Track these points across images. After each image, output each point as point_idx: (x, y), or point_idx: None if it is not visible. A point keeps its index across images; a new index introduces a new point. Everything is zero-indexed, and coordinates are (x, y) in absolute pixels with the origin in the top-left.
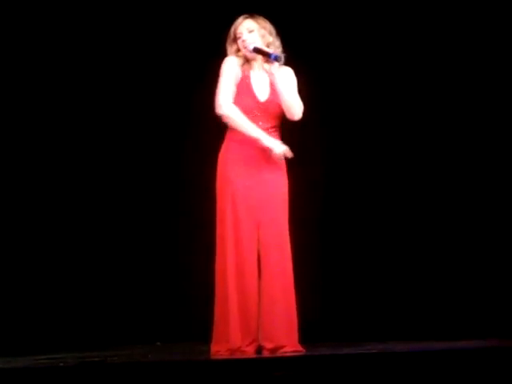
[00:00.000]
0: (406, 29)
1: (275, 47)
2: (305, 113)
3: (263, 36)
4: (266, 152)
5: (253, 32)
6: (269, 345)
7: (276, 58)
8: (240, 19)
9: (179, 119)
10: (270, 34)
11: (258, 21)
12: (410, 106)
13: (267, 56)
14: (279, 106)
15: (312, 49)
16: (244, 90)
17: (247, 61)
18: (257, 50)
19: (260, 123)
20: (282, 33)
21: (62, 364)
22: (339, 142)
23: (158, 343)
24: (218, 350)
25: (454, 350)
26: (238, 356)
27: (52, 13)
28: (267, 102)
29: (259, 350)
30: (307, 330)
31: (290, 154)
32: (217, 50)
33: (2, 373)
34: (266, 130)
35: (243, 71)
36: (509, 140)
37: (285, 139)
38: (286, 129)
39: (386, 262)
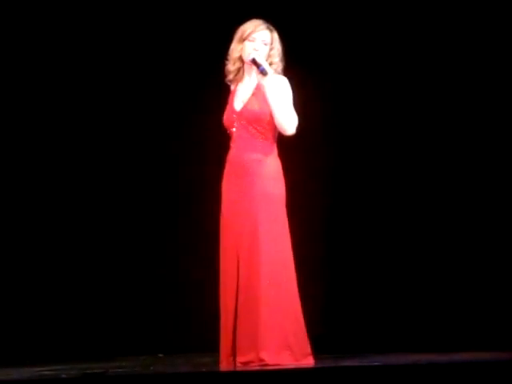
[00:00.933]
0: (407, 36)
1: (277, 68)
2: (307, 117)
3: (271, 55)
4: (243, 163)
5: (266, 45)
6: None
7: (262, 71)
8: (258, 23)
9: (186, 127)
10: (278, 55)
11: (274, 36)
12: (412, 109)
13: (257, 67)
14: (255, 113)
15: (313, 51)
16: (228, 103)
17: (238, 71)
18: (253, 61)
19: (239, 132)
20: (285, 37)
21: (64, 375)
22: (341, 147)
23: (160, 355)
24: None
25: (457, 363)
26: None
27: (51, 17)
28: (241, 110)
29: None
30: (310, 342)
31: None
32: (222, 55)
33: None
34: (247, 134)
35: (233, 86)
36: (509, 140)
37: (286, 145)
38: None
39: (389, 274)
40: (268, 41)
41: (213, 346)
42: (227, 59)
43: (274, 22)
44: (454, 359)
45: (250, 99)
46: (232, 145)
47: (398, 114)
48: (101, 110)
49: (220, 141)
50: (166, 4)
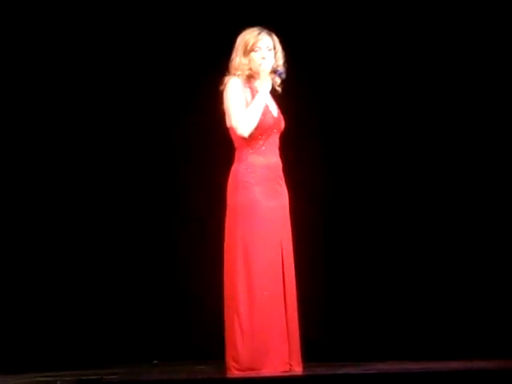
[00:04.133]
0: (403, 31)
1: (282, 68)
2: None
3: (277, 58)
4: (278, 169)
5: (271, 51)
6: (298, 368)
7: (280, 75)
8: (258, 33)
9: (185, 128)
10: (282, 57)
11: (274, 39)
12: (410, 111)
13: (276, 73)
14: (284, 123)
15: (312, 54)
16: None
17: (249, 77)
18: (274, 72)
19: (272, 137)
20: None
21: (59, 382)
22: (340, 147)
23: (155, 361)
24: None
25: (453, 371)
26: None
27: (49, 16)
28: (278, 116)
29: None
30: (306, 349)
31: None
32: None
33: None
34: (275, 140)
35: (252, 89)
36: (509, 140)
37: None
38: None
39: (386, 282)
40: (271, 46)
41: (209, 354)
42: (231, 72)
43: (265, 23)
44: (450, 367)
45: (278, 108)
46: (263, 149)
47: (397, 112)
48: (100, 110)
49: (217, 142)
50: (164, 5)
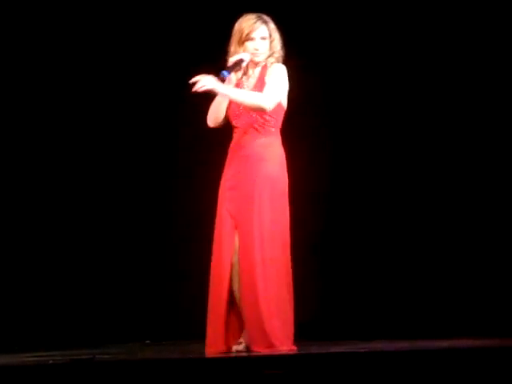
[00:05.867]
0: (408, 36)
1: (279, 55)
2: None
3: (273, 46)
4: (247, 149)
5: (265, 40)
6: (291, 347)
7: (223, 74)
8: (253, 20)
9: (179, 122)
10: (279, 43)
11: (271, 27)
12: (412, 109)
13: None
14: None
15: (316, 49)
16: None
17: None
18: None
19: (244, 120)
20: (286, 32)
21: (51, 361)
22: (342, 141)
23: (148, 341)
24: (211, 352)
25: (445, 350)
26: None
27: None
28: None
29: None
30: (298, 328)
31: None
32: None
33: None
34: (250, 122)
35: (236, 79)
36: (509, 140)
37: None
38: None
39: (376, 262)
40: (266, 35)
41: (202, 334)
42: (227, 59)
43: (267, 12)
44: (440, 346)
45: (253, 89)
46: (235, 133)
47: (400, 110)
48: (97, 107)
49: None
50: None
